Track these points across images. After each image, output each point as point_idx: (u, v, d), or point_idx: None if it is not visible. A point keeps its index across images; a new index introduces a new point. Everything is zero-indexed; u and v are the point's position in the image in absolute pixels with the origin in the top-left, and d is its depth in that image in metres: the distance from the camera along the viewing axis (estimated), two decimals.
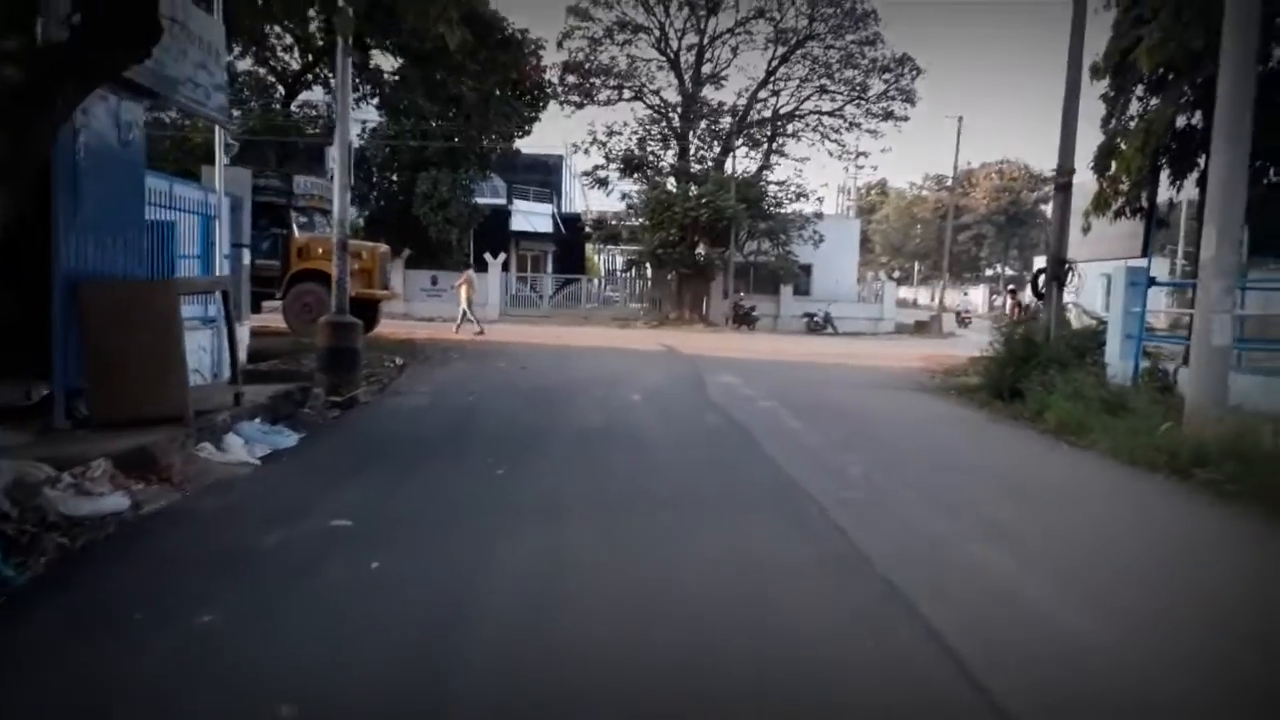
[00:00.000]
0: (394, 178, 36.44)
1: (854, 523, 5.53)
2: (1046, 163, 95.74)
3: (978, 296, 66.05)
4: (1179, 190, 12.82)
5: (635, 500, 6.00)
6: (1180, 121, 11.91)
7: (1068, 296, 13.47)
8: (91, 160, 7.25)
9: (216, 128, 11.85)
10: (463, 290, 24.40)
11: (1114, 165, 11.69)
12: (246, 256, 13.81)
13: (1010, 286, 30.11)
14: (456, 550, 4.67)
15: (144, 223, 8.52)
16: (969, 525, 5.71)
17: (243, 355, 13.83)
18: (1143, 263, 13.20)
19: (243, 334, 13.90)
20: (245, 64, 36.29)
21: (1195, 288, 12.53)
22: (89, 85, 5.39)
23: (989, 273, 70.75)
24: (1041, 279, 13.18)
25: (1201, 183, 12.61)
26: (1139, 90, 12.46)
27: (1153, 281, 12.71)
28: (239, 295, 13.66)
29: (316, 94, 39.01)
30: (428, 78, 32.20)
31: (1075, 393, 11.27)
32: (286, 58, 36.34)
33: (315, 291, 17.82)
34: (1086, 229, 12.52)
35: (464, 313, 23.88)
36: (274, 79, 36.57)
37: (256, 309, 18.58)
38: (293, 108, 36.69)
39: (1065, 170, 12.74)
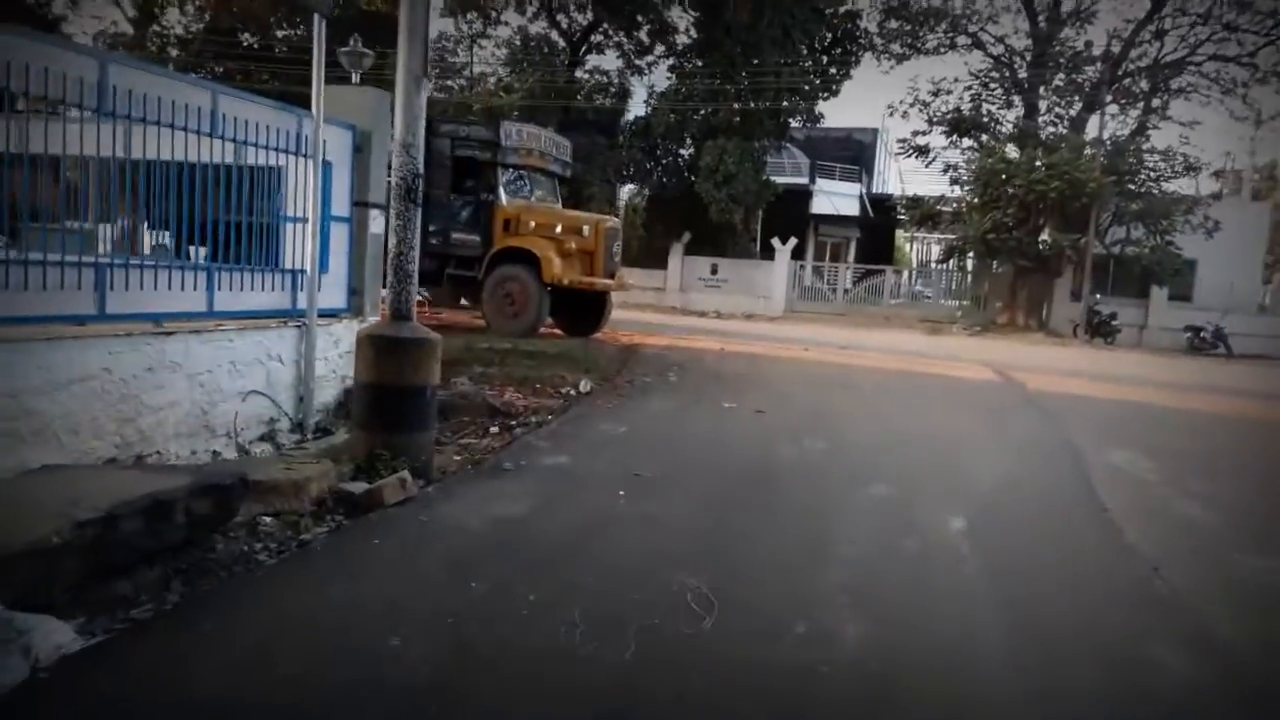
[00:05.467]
0: (682, 151, 32.17)
1: None
2: None
3: None
4: None
5: None
6: None
7: None
8: None
9: (315, 17, 7.45)
10: None
11: None
12: (377, 222, 9.68)
13: None
14: None
15: None
16: None
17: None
18: None
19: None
20: (537, 27, 33.82)
21: None
22: None
23: None
24: None
25: None
26: None
27: None
28: (362, 279, 9.56)
29: (608, 60, 35.87)
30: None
31: None
32: (578, 16, 33.28)
33: (520, 278, 13.52)
34: None
35: None
36: (562, 40, 33.61)
37: (456, 299, 14.75)
38: (579, 74, 33.53)
39: None
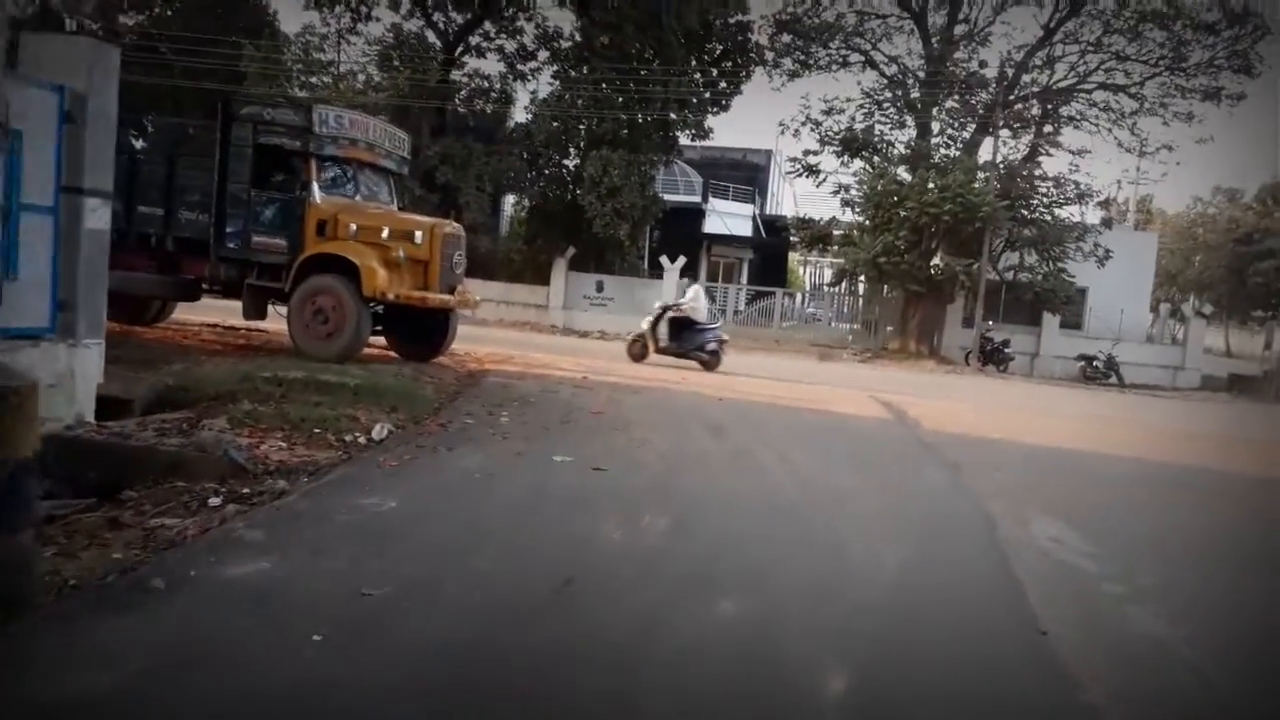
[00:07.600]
0: (566, 162, 30.22)
1: None
2: None
3: None
4: None
5: None
6: None
7: None
8: None
9: None
10: None
11: None
12: (98, 215, 7.36)
13: None
14: None
15: None
16: None
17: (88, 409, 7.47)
18: None
19: (88, 363, 7.45)
20: (412, 25, 31.33)
21: None
22: None
23: None
24: None
25: None
26: None
27: None
28: (73, 290, 7.19)
29: (490, 64, 33.52)
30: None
31: None
32: (455, 15, 30.95)
33: (334, 291, 11.22)
34: None
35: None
36: (438, 40, 31.26)
37: (260, 314, 12.30)
38: (459, 77, 31.21)
39: None
